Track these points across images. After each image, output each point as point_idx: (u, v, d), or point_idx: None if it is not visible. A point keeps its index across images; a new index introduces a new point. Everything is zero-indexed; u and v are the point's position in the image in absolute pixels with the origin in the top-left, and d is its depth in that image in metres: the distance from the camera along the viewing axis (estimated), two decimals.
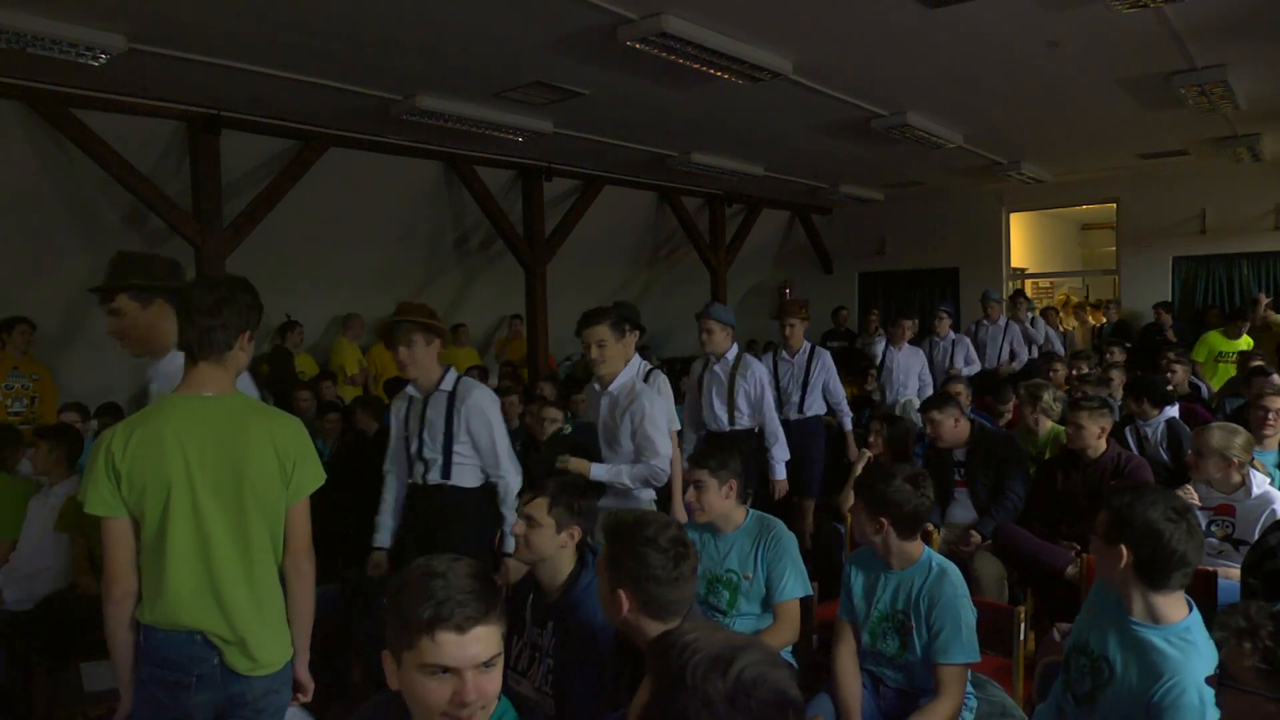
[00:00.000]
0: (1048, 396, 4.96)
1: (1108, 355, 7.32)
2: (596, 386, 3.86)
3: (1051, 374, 6.84)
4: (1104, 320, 10.70)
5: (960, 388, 5.46)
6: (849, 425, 5.88)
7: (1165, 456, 4.66)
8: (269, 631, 2.20)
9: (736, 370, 4.97)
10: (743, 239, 11.69)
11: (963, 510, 4.35)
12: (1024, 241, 12.64)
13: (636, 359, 4.03)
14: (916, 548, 2.65)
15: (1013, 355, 8.43)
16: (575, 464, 3.51)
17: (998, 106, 6.94)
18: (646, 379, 4.05)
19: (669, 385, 4.35)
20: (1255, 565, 2.83)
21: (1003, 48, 5.42)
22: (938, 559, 2.64)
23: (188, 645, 2.12)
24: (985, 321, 8.63)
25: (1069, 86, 6.37)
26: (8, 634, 3.72)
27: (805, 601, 3.03)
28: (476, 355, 9.49)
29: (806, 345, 5.77)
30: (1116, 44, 5.39)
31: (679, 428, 4.52)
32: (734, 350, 5.07)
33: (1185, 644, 2.00)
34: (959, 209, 11.68)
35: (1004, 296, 11.56)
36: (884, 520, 2.60)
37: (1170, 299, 10.31)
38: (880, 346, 7.85)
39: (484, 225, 8.89)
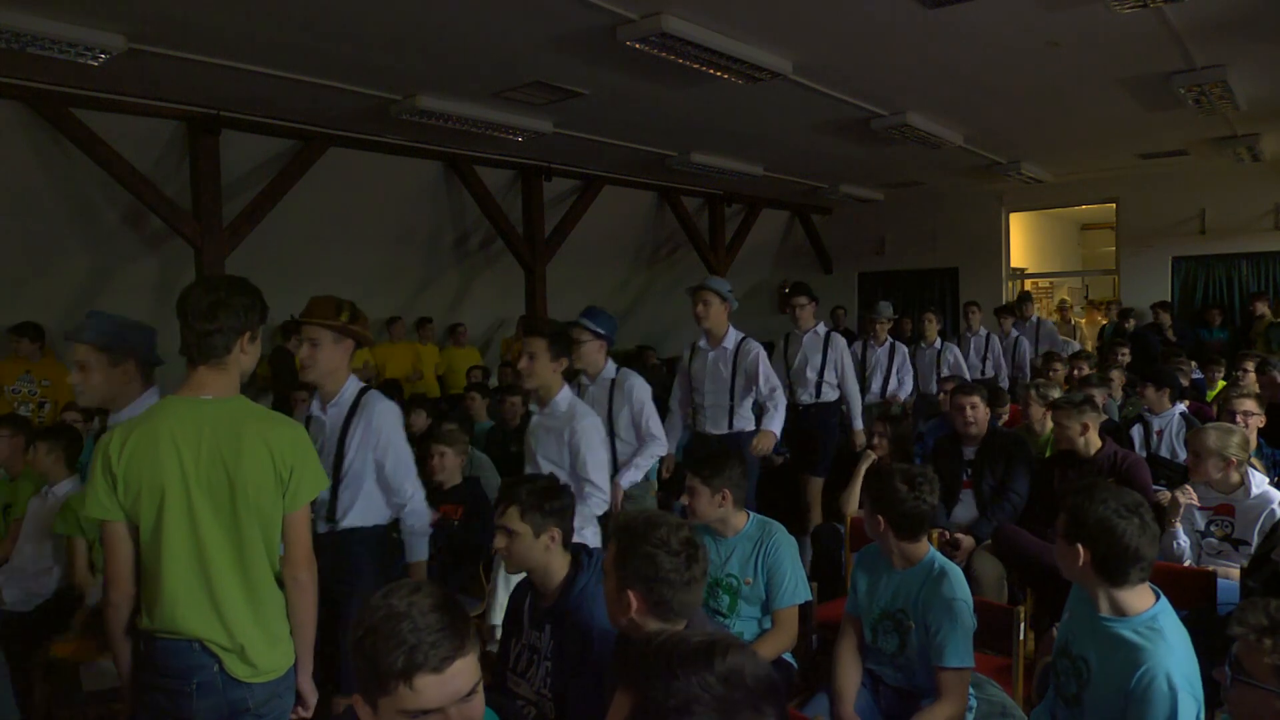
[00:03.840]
0: (1053, 395, 4.98)
1: (1120, 355, 7.33)
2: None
3: (1051, 374, 6.86)
4: (1105, 321, 10.71)
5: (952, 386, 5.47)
6: (415, 522, 3.12)
7: (1182, 451, 4.63)
8: (269, 638, 2.17)
9: None
10: (742, 239, 11.69)
11: (967, 511, 4.34)
12: (1024, 242, 12.65)
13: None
14: (919, 548, 2.65)
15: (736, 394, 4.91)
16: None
17: (997, 106, 6.94)
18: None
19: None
20: (1258, 566, 2.83)
21: (1002, 48, 5.42)
22: (941, 560, 2.64)
23: (187, 653, 2.10)
24: (704, 345, 4.90)
25: (1069, 86, 6.37)
26: (7, 635, 3.71)
27: (805, 605, 3.03)
28: (478, 355, 9.49)
29: (352, 389, 3.09)
30: (1116, 44, 5.39)
31: None
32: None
33: (1152, 633, 2.02)
34: (959, 209, 11.68)
35: (1005, 298, 11.59)
36: (881, 519, 2.61)
37: (1170, 299, 10.32)
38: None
39: (484, 225, 8.89)
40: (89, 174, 6.17)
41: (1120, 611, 2.08)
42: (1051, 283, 14.03)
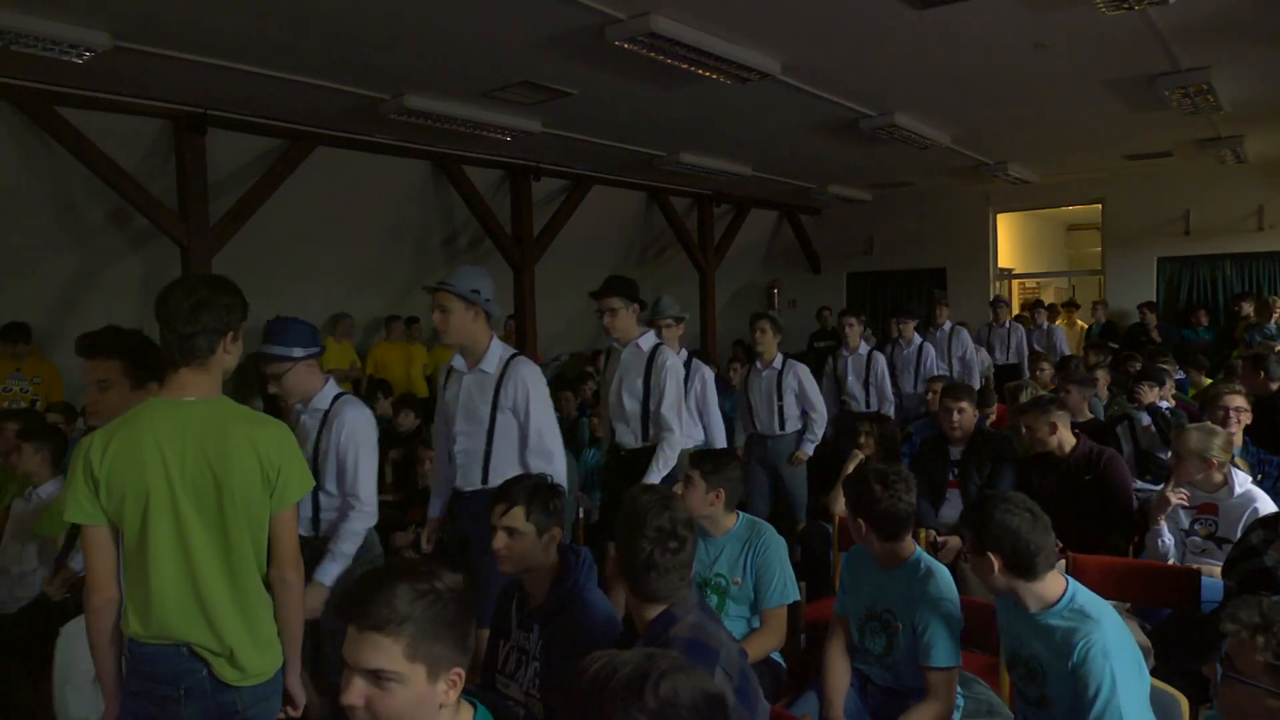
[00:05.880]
0: (1023, 396, 5.02)
1: (1092, 357, 7.36)
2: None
3: (1038, 373, 6.90)
4: (1092, 321, 10.78)
5: (939, 386, 5.49)
6: None
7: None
8: (257, 641, 2.16)
9: None
10: (731, 239, 11.71)
11: (954, 510, 4.36)
12: (1011, 242, 12.71)
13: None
14: (905, 548, 2.66)
15: None
16: None
17: (985, 107, 6.98)
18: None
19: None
20: (1234, 564, 2.86)
21: (990, 49, 5.45)
22: (927, 560, 2.65)
23: (175, 658, 2.07)
24: (458, 364, 3.61)
25: (1055, 88, 6.41)
26: None
27: (793, 605, 3.04)
28: None
29: None
30: (1102, 46, 5.42)
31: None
32: None
33: (1074, 613, 2.19)
34: (946, 209, 11.73)
35: (993, 295, 11.63)
36: (861, 522, 2.64)
37: (1155, 299, 10.40)
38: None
39: (472, 225, 8.88)
40: (74, 172, 6.12)
41: (1044, 603, 2.23)
42: (1039, 283, 14.13)
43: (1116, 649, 2.09)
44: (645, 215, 10.90)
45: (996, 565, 2.22)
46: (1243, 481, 3.49)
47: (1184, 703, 2.26)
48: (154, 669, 2.08)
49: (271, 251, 7.44)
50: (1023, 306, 12.01)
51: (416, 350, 8.90)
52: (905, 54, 5.51)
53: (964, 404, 4.45)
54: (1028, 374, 8.11)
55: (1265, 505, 3.39)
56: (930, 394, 5.77)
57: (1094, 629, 2.11)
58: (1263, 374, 5.18)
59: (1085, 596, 2.23)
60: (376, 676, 1.42)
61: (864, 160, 8.93)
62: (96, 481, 2.05)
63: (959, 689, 2.63)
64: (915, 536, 2.77)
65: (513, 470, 3.21)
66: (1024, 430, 4.24)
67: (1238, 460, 3.76)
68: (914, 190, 11.31)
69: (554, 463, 3.26)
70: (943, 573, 2.61)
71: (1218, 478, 3.47)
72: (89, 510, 2.06)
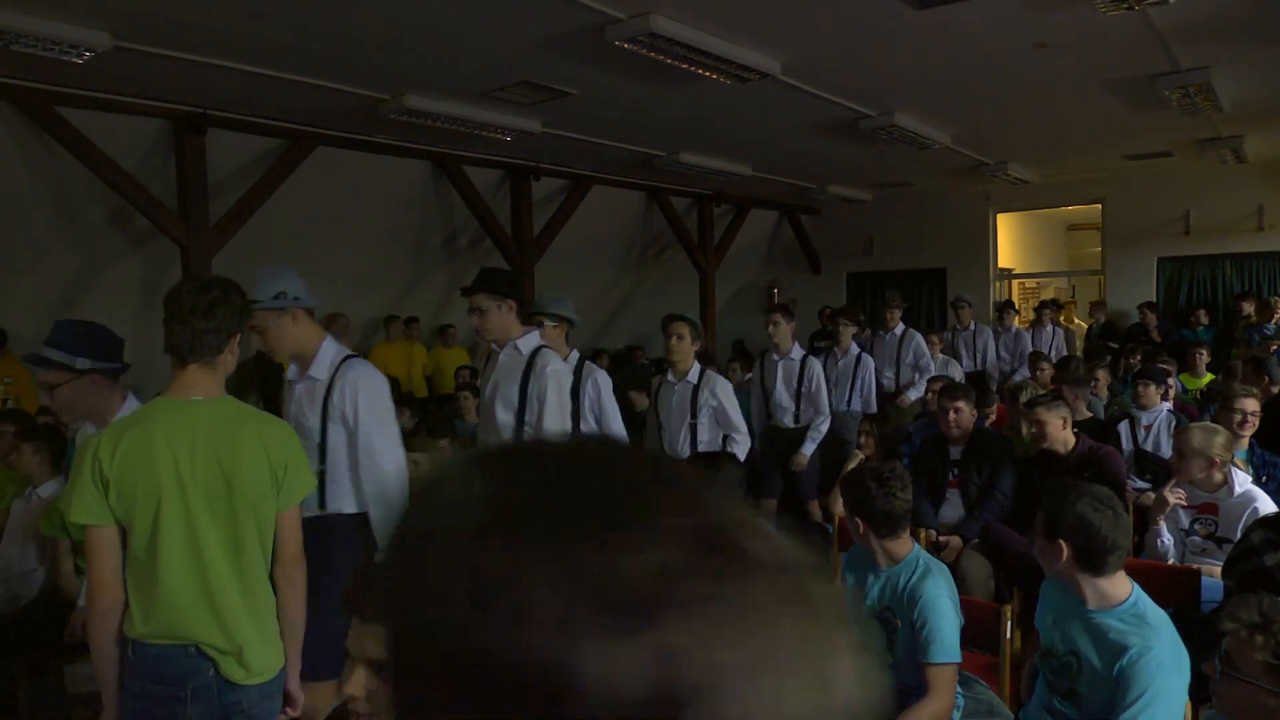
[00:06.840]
0: (1024, 396, 5.03)
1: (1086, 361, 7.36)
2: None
3: (1038, 373, 6.90)
4: (1090, 321, 10.78)
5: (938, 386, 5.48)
6: None
7: (1168, 447, 4.63)
8: (264, 639, 2.18)
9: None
10: (731, 239, 11.71)
11: (954, 510, 4.36)
12: (1011, 242, 12.71)
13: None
14: (903, 546, 2.66)
15: None
16: None
17: (985, 107, 6.98)
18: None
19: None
20: (1233, 564, 2.86)
21: (990, 49, 5.45)
22: (926, 557, 2.66)
23: (181, 658, 2.08)
24: (292, 375, 3.31)
25: (1055, 88, 6.41)
26: None
27: None
28: (466, 355, 9.47)
29: None
30: (1102, 46, 5.43)
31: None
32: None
33: (1135, 619, 2.16)
34: (946, 209, 11.72)
35: (993, 298, 11.63)
36: (859, 520, 2.64)
37: (1155, 299, 10.39)
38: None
39: (472, 225, 8.88)
40: (74, 172, 6.12)
41: (1104, 601, 2.20)
42: (1039, 283, 14.12)
43: (1172, 665, 2.06)
44: (645, 215, 10.90)
45: (1066, 554, 2.19)
46: (1243, 481, 3.50)
47: (1185, 702, 2.27)
48: (159, 669, 2.08)
49: (271, 251, 7.42)
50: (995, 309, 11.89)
51: (417, 350, 8.90)
52: (905, 54, 5.51)
53: (960, 404, 4.45)
54: (996, 382, 8.03)
55: (1265, 505, 3.39)
56: (929, 394, 5.78)
57: (1154, 639, 2.08)
58: (1266, 378, 5.18)
59: (1148, 604, 2.20)
60: (379, 669, 1.43)
61: (864, 160, 8.92)
62: (106, 482, 2.05)
63: (959, 689, 2.63)
64: (915, 537, 2.77)
65: (353, 491, 2.87)
66: (1032, 425, 4.24)
67: (1238, 462, 3.76)
68: (914, 190, 11.30)
69: (386, 478, 2.78)
70: (942, 570, 2.61)
71: (1218, 477, 3.47)
72: (96, 511, 2.06)
